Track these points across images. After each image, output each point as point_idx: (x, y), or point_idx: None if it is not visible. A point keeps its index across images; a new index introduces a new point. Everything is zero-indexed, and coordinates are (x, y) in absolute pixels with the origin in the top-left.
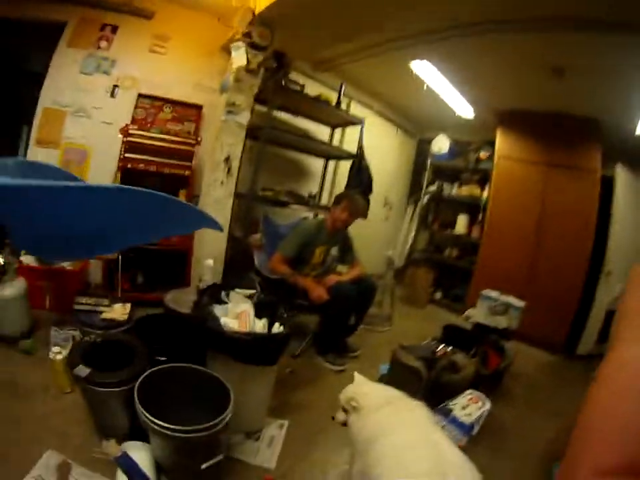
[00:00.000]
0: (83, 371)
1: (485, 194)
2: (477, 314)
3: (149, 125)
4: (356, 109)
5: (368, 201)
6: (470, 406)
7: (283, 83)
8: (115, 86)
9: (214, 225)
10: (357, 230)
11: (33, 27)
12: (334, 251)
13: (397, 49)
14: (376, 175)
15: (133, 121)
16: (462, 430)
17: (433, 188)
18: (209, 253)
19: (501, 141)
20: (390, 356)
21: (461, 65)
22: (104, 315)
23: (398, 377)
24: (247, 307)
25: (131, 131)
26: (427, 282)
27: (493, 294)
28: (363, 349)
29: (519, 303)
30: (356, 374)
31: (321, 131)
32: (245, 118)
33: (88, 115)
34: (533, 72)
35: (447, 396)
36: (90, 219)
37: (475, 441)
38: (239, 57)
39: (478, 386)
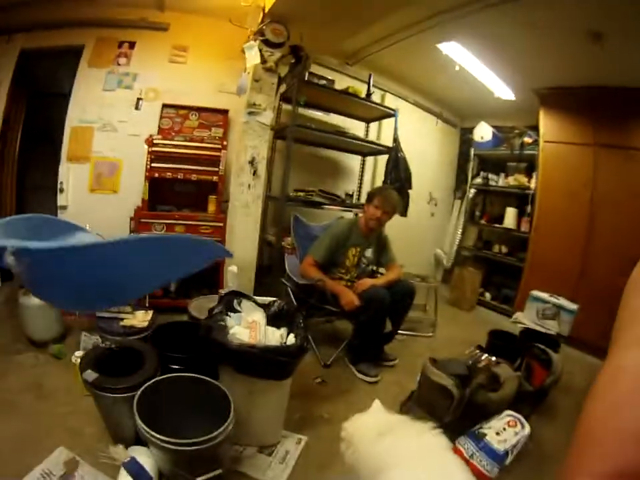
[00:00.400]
0: (90, 375)
1: (533, 183)
2: (525, 318)
3: (173, 134)
4: (391, 102)
5: (407, 196)
6: (506, 430)
7: (306, 78)
8: (139, 99)
9: (225, 253)
10: (400, 229)
11: (57, 54)
12: (368, 252)
13: (424, 30)
14: (417, 169)
15: (160, 130)
16: (494, 458)
17: (478, 180)
18: (241, 259)
19: (545, 123)
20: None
21: (491, 41)
22: (124, 322)
23: (427, 395)
24: (259, 317)
25: (155, 141)
26: (474, 282)
27: (543, 295)
28: (401, 357)
29: (571, 305)
30: (376, 401)
31: (355, 127)
32: (267, 118)
33: (114, 128)
34: (570, 40)
35: (483, 417)
36: (110, 271)
37: (508, 470)
38: (252, 56)
39: (519, 404)
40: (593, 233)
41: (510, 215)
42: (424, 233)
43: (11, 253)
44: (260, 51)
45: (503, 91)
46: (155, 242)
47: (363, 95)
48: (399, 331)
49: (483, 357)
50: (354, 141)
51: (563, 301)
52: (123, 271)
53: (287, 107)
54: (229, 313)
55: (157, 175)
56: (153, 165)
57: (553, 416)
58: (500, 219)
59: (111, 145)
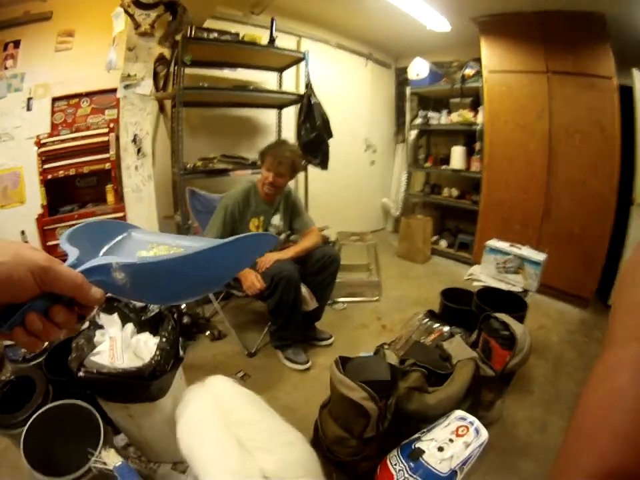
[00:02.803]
0: None
1: (480, 117)
2: (483, 273)
3: (61, 129)
4: (309, 47)
5: (326, 146)
6: (454, 442)
7: (190, 34)
8: (29, 98)
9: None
10: (336, 183)
11: None
12: (275, 219)
13: None
14: (348, 116)
15: (53, 127)
16: None
17: (418, 120)
18: None
19: (487, 53)
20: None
21: None
22: None
23: (338, 409)
24: (115, 331)
25: (43, 141)
26: (425, 230)
27: (502, 245)
28: (341, 331)
29: (537, 255)
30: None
31: (268, 80)
32: (146, 87)
33: (11, 136)
34: None
35: (422, 421)
36: (198, 272)
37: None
38: (118, 24)
39: (478, 390)
40: (555, 168)
41: (457, 155)
42: (366, 184)
43: (116, 270)
44: (132, 16)
45: (436, 22)
46: (238, 242)
47: (265, 43)
48: (339, 300)
49: (435, 327)
50: (256, 93)
51: (526, 251)
52: (211, 269)
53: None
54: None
55: (50, 176)
56: (45, 166)
57: (527, 389)
58: (447, 160)
59: (11, 155)
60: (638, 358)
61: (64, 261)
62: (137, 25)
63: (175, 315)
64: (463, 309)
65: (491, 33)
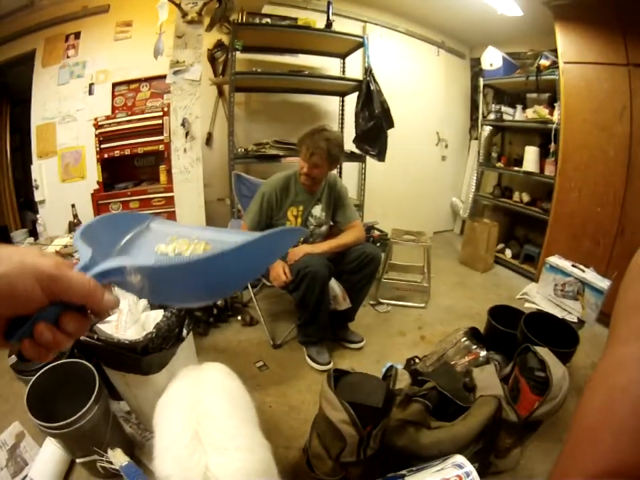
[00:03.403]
0: (12, 360)
1: (556, 115)
2: (539, 294)
3: (122, 111)
4: (375, 33)
5: (385, 137)
6: None
7: (240, 20)
8: (91, 84)
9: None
10: (403, 177)
11: (17, 62)
12: (317, 210)
13: None
14: (418, 107)
15: (114, 109)
16: None
17: (492, 115)
18: None
19: (564, 41)
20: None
21: None
22: None
23: (321, 426)
24: (123, 304)
25: (100, 123)
26: (490, 237)
27: (563, 264)
28: (376, 336)
29: (600, 281)
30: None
31: (330, 66)
32: (195, 73)
33: (74, 118)
34: None
35: (414, 458)
36: (221, 274)
37: None
38: (162, 13)
39: (496, 433)
40: (634, 178)
41: (530, 156)
42: (435, 180)
43: (131, 273)
44: (179, 5)
45: (508, 7)
46: (262, 239)
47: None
48: (384, 301)
49: (472, 348)
50: (311, 78)
51: (590, 274)
52: (233, 268)
53: (242, 55)
54: None
55: (106, 155)
56: (102, 146)
57: (557, 438)
58: (520, 161)
59: (73, 135)
60: (639, 357)
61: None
62: (184, 14)
63: None
64: (509, 332)
65: (566, 19)
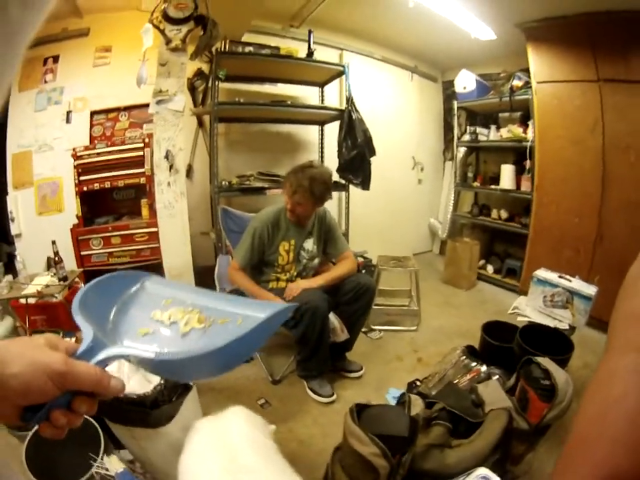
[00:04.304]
0: None
1: (530, 133)
2: (529, 306)
3: (97, 142)
4: (350, 60)
5: (368, 165)
6: None
7: (223, 48)
8: (69, 112)
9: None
10: (382, 202)
11: None
12: (308, 244)
13: None
14: (395, 133)
15: (92, 139)
16: None
17: (466, 137)
18: (173, 265)
19: (536, 62)
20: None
21: None
22: None
23: (348, 460)
24: None
25: (79, 153)
26: (472, 255)
27: (550, 276)
28: (373, 363)
29: (587, 288)
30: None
31: (309, 95)
32: (179, 103)
33: (50, 147)
34: None
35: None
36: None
37: None
38: (147, 40)
39: (509, 443)
40: (609, 188)
41: (507, 174)
42: (412, 204)
43: (134, 361)
44: (162, 31)
45: (481, 31)
46: (268, 320)
47: (302, 56)
48: (376, 327)
49: (472, 365)
50: (294, 108)
51: (576, 283)
52: (235, 352)
53: (223, 85)
54: None
55: (85, 188)
56: (81, 178)
57: (564, 439)
58: (496, 179)
59: (50, 165)
60: (635, 367)
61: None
62: (168, 41)
63: None
64: (504, 346)
65: (537, 40)
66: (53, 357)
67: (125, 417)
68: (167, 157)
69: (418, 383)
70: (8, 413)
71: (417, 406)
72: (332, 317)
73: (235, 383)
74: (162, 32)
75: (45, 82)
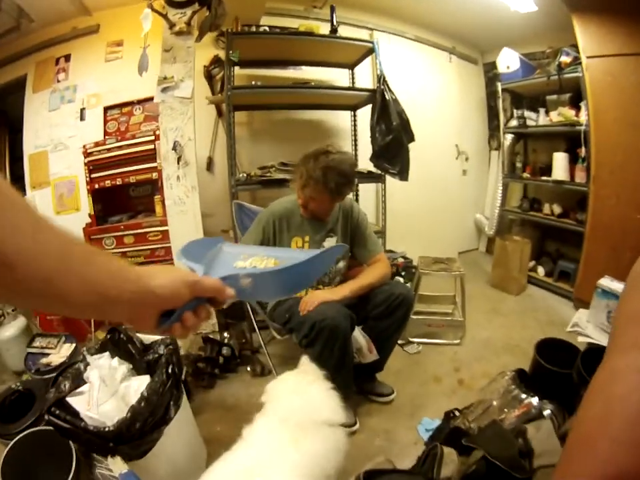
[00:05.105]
0: None
1: (583, 116)
2: (590, 323)
3: (119, 135)
4: (382, 41)
5: (406, 152)
6: None
7: (233, 28)
8: (82, 109)
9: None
10: (423, 196)
11: (11, 89)
12: (330, 243)
13: None
14: (435, 119)
15: (106, 135)
16: None
17: (513, 122)
18: None
19: (584, 34)
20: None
21: None
22: (47, 359)
23: None
24: (94, 377)
25: (89, 150)
26: (522, 255)
27: (617, 287)
28: (407, 383)
29: None
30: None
31: (338, 79)
32: (186, 90)
33: (65, 146)
34: None
35: None
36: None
37: None
38: (146, 25)
39: None
40: None
41: (559, 163)
42: (457, 197)
43: (243, 277)
44: (165, 16)
45: (520, 2)
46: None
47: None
48: (414, 340)
49: (522, 398)
50: (319, 90)
51: None
52: (304, 273)
53: (241, 71)
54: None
55: (97, 186)
56: (92, 175)
57: None
58: (547, 170)
59: (66, 163)
60: (637, 366)
61: None
62: (171, 25)
63: (175, 360)
64: (561, 372)
65: (582, 11)
66: (184, 272)
67: (91, 446)
68: (174, 148)
69: (457, 414)
70: (150, 319)
71: (451, 463)
72: (358, 333)
73: (247, 401)
74: (164, 16)
75: (58, 81)
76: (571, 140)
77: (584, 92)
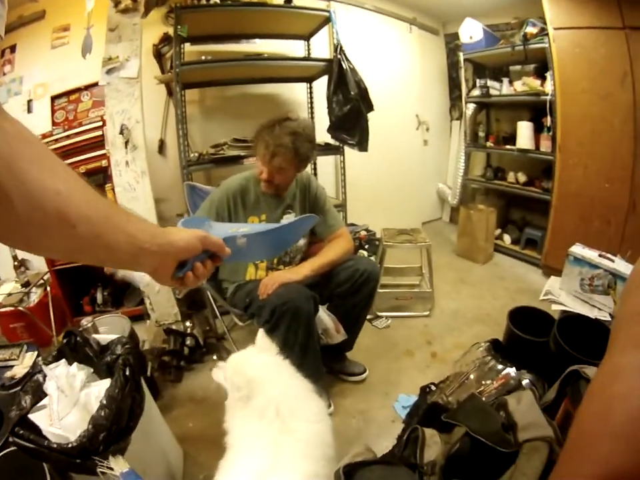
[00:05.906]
0: None
1: (549, 86)
2: (563, 290)
3: (67, 124)
4: (339, 11)
5: (365, 122)
6: None
7: (182, 3)
8: (29, 100)
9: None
10: (383, 167)
11: None
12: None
13: None
14: (396, 89)
15: (55, 125)
16: None
17: (476, 92)
18: None
19: (552, 6)
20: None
21: None
22: (13, 371)
23: None
24: (52, 388)
25: None
26: (488, 224)
27: (589, 254)
28: (379, 359)
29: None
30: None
31: (294, 51)
32: (132, 69)
33: None
34: None
35: None
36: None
37: None
38: (89, 3)
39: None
40: None
41: (523, 132)
42: (418, 167)
43: (240, 237)
44: None
45: None
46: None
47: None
48: (382, 314)
49: (499, 368)
50: (271, 62)
51: (620, 264)
52: (283, 237)
53: (192, 48)
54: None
55: None
56: None
57: None
58: (512, 138)
59: None
60: (638, 365)
61: None
62: (116, 2)
63: (133, 360)
64: (538, 341)
65: None
66: (194, 230)
67: (57, 463)
68: (121, 132)
69: (433, 388)
70: (170, 269)
71: (434, 445)
72: (324, 314)
73: (217, 391)
74: None
75: (4, 74)
76: (536, 110)
77: (550, 62)
